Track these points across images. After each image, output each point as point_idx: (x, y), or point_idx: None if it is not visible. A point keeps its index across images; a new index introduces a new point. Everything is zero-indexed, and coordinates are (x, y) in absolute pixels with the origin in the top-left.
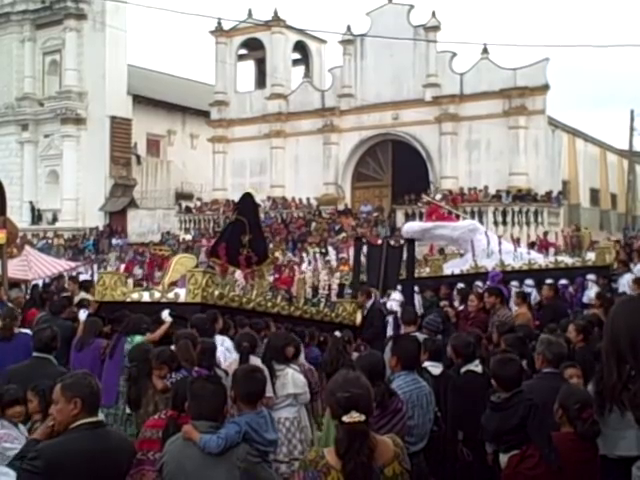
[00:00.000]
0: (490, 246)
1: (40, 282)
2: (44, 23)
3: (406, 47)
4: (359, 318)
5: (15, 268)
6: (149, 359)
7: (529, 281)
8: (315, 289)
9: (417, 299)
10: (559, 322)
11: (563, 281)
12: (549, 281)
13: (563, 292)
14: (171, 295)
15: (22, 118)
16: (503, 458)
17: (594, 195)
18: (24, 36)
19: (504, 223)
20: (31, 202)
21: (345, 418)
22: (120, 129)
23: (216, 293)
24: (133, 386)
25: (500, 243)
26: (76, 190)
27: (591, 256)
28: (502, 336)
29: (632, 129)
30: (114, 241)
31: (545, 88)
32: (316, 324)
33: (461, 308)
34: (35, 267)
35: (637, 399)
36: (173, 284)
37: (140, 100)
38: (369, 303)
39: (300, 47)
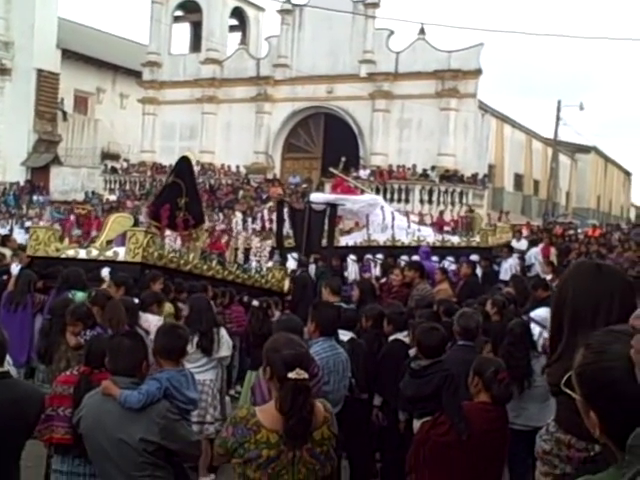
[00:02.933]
0: (385, 221)
1: None
2: None
3: (344, 21)
4: (287, 285)
5: None
6: (65, 314)
7: (416, 257)
8: (246, 255)
9: (312, 268)
10: (476, 297)
11: (450, 258)
12: (474, 257)
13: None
14: (110, 253)
15: None
16: (416, 424)
17: (518, 180)
18: None
19: (430, 202)
20: None
21: (291, 375)
22: (47, 83)
23: (156, 254)
24: (44, 339)
25: (394, 219)
26: None
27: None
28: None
29: (558, 119)
30: (35, 197)
31: (478, 72)
32: (247, 289)
33: (383, 280)
34: None
35: (553, 378)
36: (109, 242)
37: (69, 55)
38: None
39: (238, 13)
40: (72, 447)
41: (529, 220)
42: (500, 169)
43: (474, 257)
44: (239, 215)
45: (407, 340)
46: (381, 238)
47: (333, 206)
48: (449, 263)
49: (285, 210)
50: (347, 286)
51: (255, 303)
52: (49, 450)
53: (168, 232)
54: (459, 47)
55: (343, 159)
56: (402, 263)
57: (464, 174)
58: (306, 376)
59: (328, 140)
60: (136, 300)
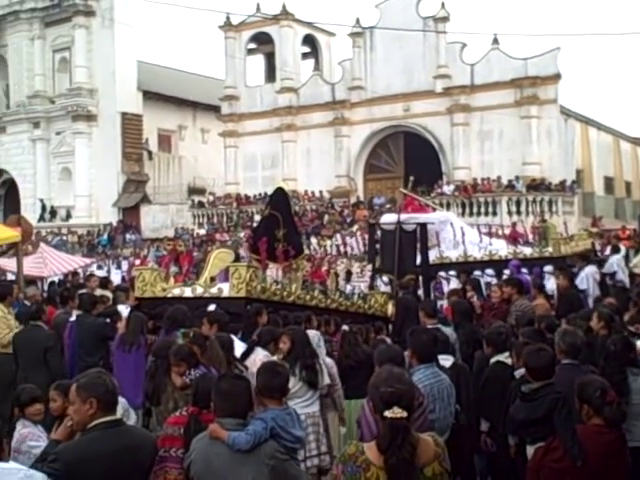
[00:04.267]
0: (456, 237)
1: (56, 279)
2: (53, 21)
3: (416, 38)
4: (390, 309)
5: (30, 265)
6: (168, 355)
7: (489, 271)
8: (347, 281)
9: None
10: (577, 311)
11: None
12: (547, 269)
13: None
14: (214, 290)
15: (34, 116)
16: (529, 450)
17: (608, 183)
18: (34, 34)
19: (518, 213)
20: (42, 200)
21: (387, 413)
22: (131, 125)
23: (259, 287)
24: (151, 382)
25: (464, 234)
26: (89, 186)
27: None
28: (520, 329)
29: None
30: (128, 237)
31: (557, 77)
32: (351, 316)
33: (475, 299)
34: (50, 264)
35: None
36: (212, 279)
37: (150, 96)
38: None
39: (309, 40)
40: None
41: (624, 224)
42: (588, 173)
43: (548, 268)
44: (331, 241)
45: (509, 361)
46: (453, 255)
47: (423, 226)
48: (487, 277)
49: (377, 232)
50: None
51: (345, 328)
52: None
53: (270, 264)
54: (535, 53)
55: (412, 178)
56: (479, 279)
57: (551, 182)
58: (404, 415)
59: (409, 158)
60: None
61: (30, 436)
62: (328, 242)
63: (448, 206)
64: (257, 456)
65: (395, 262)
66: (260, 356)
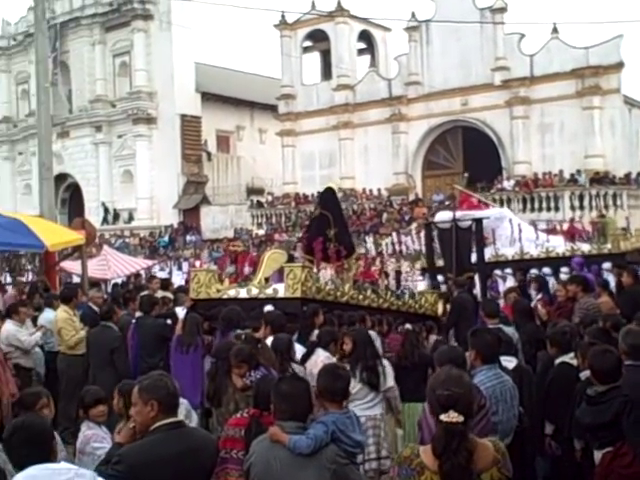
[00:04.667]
0: (513, 234)
1: (119, 281)
2: (113, 25)
3: (473, 31)
4: (440, 309)
5: (94, 268)
6: (229, 357)
7: (546, 269)
8: (397, 280)
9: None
10: None
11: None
12: (606, 265)
13: None
14: (269, 291)
15: (96, 120)
16: (597, 455)
17: None
18: (94, 39)
19: (581, 207)
20: (103, 203)
21: (443, 417)
22: (190, 127)
23: (314, 287)
24: (211, 383)
25: (521, 231)
26: (150, 189)
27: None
28: (585, 328)
29: None
30: (188, 238)
31: (619, 66)
32: (402, 315)
33: (539, 297)
34: (113, 266)
35: None
36: (266, 280)
37: (208, 97)
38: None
39: (365, 36)
40: None
41: None
42: None
43: (606, 265)
44: (388, 239)
45: (574, 362)
46: (509, 252)
47: (479, 222)
48: (563, 274)
49: (434, 230)
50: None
51: (409, 327)
52: None
53: (322, 265)
54: (597, 42)
55: (466, 175)
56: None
57: (615, 175)
58: (460, 419)
59: (468, 153)
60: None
61: (94, 437)
62: (385, 241)
63: (509, 202)
64: (318, 460)
65: (452, 260)
66: (321, 357)
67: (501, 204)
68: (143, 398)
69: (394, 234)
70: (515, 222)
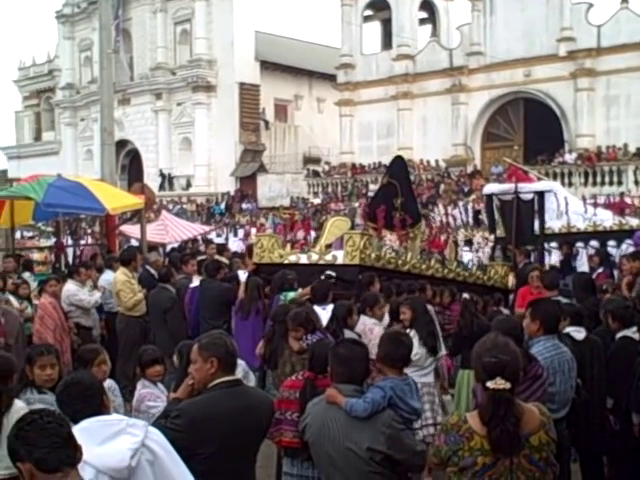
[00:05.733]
0: (560, 207)
1: (176, 245)
2: None
3: (538, 1)
4: (510, 281)
5: (153, 232)
6: (286, 320)
7: (594, 242)
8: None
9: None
10: None
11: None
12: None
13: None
14: (329, 257)
15: (156, 87)
16: None
17: None
18: (156, 7)
19: None
20: (161, 169)
21: (489, 384)
22: (249, 95)
23: (373, 255)
24: (268, 345)
25: (567, 204)
26: (208, 156)
27: None
28: None
29: None
30: (244, 205)
31: None
32: (469, 287)
33: (600, 270)
34: (171, 231)
35: None
36: (328, 246)
37: (267, 66)
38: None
39: (427, 6)
40: (301, 451)
41: None
42: None
43: None
44: (436, 211)
45: (636, 337)
46: (556, 225)
47: (541, 195)
48: (611, 248)
49: (494, 202)
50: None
51: (466, 296)
52: (279, 452)
53: (387, 233)
54: None
55: (516, 147)
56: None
57: None
58: (507, 386)
59: (529, 126)
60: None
61: (149, 396)
62: (432, 213)
63: (570, 175)
64: (374, 424)
65: (513, 232)
66: (369, 324)
67: (562, 178)
68: (203, 356)
69: (441, 206)
70: (562, 195)
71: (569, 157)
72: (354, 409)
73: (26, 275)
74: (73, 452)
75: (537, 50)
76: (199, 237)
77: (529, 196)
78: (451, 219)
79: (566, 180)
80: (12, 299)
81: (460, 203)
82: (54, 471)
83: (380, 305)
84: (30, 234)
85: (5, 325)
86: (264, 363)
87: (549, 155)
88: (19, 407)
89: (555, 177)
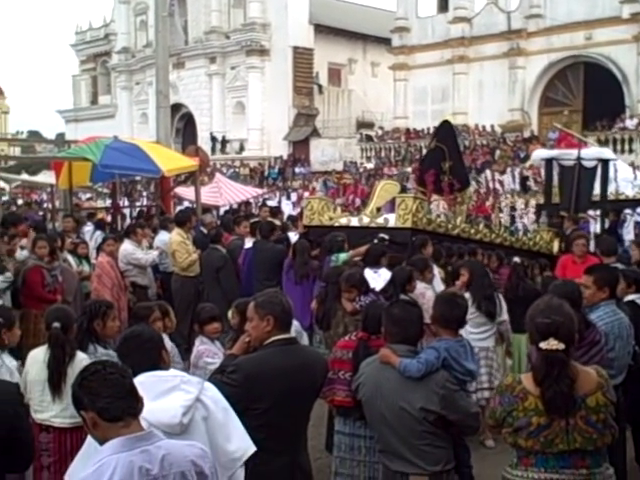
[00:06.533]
0: (609, 174)
1: (229, 208)
2: None
3: None
4: (556, 247)
5: (207, 194)
6: (339, 281)
7: None
8: (512, 216)
9: None
10: None
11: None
12: None
13: None
14: (380, 220)
15: (210, 51)
16: None
17: None
18: None
19: None
20: (211, 133)
21: (542, 345)
22: (302, 59)
23: (425, 219)
24: (321, 306)
25: (616, 171)
26: (261, 120)
27: None
28: None
29: None
30: (297, 170)
31: None
32: (515, 252)
33: None
34: (225, 194)
35: None
36: (378, 210)
37: (321, 29)
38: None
39: None
40: (353, 410)
41: None
42: None
43: None
44: (504, 177)
45: None
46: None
47: (605, 162)
48: (638, 215)
49: (554, 167)
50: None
51: (516, 260)
52: (330, 411)
53: (435, 197)
54: None
55: (566, 112)
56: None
57: None
58: (560, 347)
59: (589, 91)
60: None
61: (207, 353)
62: (479, 178)
63: (630, 142)
64: (427, 384)
65: (572, 198)
66: (421, 288)
67: (622, 144)
68: (259, 313)
69: (487, 172)
70: (612, 162)
71: (630, 123)
72: (408, 369)
73: (97, 234)
74: (135, 403)
75: (599, 12)
76: (252, 200)
77: (591, 163)
78: (498, 185)
79: (626, 147)
80: (70, 258)
81: (508, 169)
82: (116, 420)
83: (430, 269)
84: (87, 196)
85: (63, 283)
86: (317, 324)
87: (609, 121)
88: (81, 358)
89: (615, 143)
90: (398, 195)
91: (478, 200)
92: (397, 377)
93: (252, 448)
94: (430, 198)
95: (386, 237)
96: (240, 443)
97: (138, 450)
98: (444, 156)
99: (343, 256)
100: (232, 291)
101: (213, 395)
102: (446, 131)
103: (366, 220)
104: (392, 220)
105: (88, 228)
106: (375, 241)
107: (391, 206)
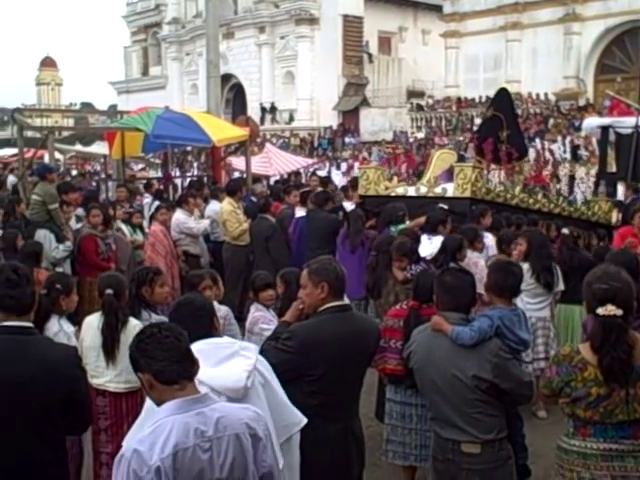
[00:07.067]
0: None
1: (279, 177)
2: None
3: None
4: (614, 217)
5: (257, 164)
6: (390, 250)
7: None
8: (570, 186)
9: None
10: None
11: None
12: None
13: None
14: (438, 189)
15: (259, 21)
16: None
17: None
18: None
19: None
20: (261, 103)
21: (600, 310)
22: (352, 28)
23: (483, 188)
24: (372, 275)
25: None
26: (310, 90)
27: None
28: None
29: None
30: (347, 140)
31: None
32: (573, 222)
33: None
34: (275, 163)
35: None
36: (435, 179)
37: None
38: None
39: None
40: (404, 378)
41: None
42: None
43: None
44: (554, 145)
45: None
46: None
47: None
48: None
49: (611, 136)
50: None
51: (565, 231)
52: (381, 379)
53: (492, 166)
54: None
55: (618, 79)
56: None
57: None
58: (618, 313)
59: None
60: None
61: (262, 319)
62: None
63: None
64: (480, 352)
65: (629, 167)
66: (473, 258)
67: None
68: (313, 280)
69: (537, 140)
70: None
71: None
72: (460, 337)
73: (155, 204)
74: (190, 366)
75: None
76: (302, 170)
77: None
78: (548, 154)
79: None
80: (124, 227)
81: (559, 137)
82: (171, 383)
83: (479, 239)
84: (140, 166)
85: (117, 251)
86: (367, 292)
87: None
88: (134, 324)
89: None
90: (456, 164)
91: (536, 169)
92: (449, 345)
93: (304, 419)
94: (489, 167)
95: (445, 207)
96: (294, 411)
97: (194, 412)
98: (501, 125)
99: (403, 228)
100: (281, 260)
101: (266, 364)
102: (503, 99)
103: (423, 190)
104: (450, 190)
105: (147, 200)
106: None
107: (448, 175)
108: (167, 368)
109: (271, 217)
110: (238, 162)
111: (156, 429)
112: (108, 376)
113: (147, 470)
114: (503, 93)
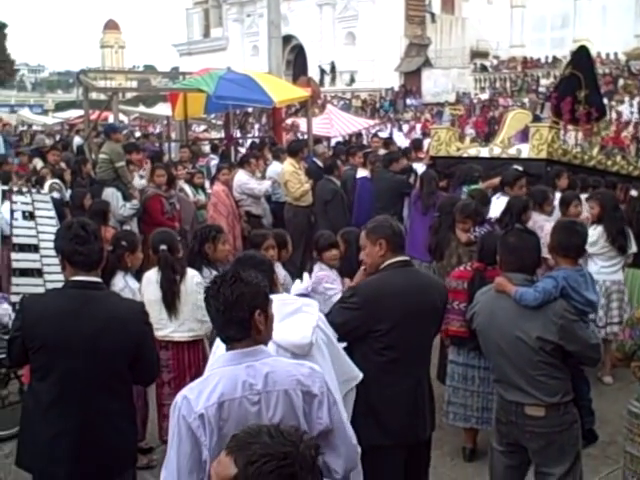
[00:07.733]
0: None
1: (341, 138)
2: None
3: None
4: None
5: (318, 125)
6: (453, 212)
7: None
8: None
9: None
10: None
11: None
12: None
13: None
14: (512, 150)
15: None
16: None
17: None
18: None
19: None
20: (319, 65)
21: None
22: None
23: (560, 149)
24: (434, 236)
25: None
26: (372, 51)
27: None
28: None
29: None
30: (409, 101)
31: None
32: None
33: None
34: (336, 125)
35: None
36: (508, 140)
37: None
38: None
39: None
40: (467, 340)
41: None
42: None
43: None
44: (622, 107)
45: None
46: None
47: None
48: None
49: None
50: None
51: (634, 193)
52: (442, 341)
53: (569, 127)
54: None
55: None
56: None
57: None
58: None
59: None
60: None
61: (326, 279)
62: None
63: None
64: (545, 313)
65: None
66: (540, 221)
67: None
68: (371, 239)
69: (605, 100)
70: None
71: None
72: (524, 298)
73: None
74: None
75: None
76: (363, 131)
77: None
78: (614, 114)
79: None
80: (187, 188)
81: (626, 98)
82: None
83: (549, 201)
84: (201, 128)
85: (181, 211)
86: (430, 254)
87: None
88: (192, 274)
89: None
90: (532, 124)
91: (615, 130)
92: (513, 306)
93: (361, 374)
94: (566, 128)
95: (520, 168)
96: (352, 365)
97: (244, 365)
98: (580, 84)
99: (474, 188)
100: (339, 222)
101: (327, 323)
102: (582, 58)
103: (497, 151)
104: (525, 151)
105: (214, 161)
106: None
107: (522, 136)
108: None
109: (336, 179)
110: (299, 123)
111: (207, 379)
112: (171, 327)
113: (194, 417)
114: (582, 51)
